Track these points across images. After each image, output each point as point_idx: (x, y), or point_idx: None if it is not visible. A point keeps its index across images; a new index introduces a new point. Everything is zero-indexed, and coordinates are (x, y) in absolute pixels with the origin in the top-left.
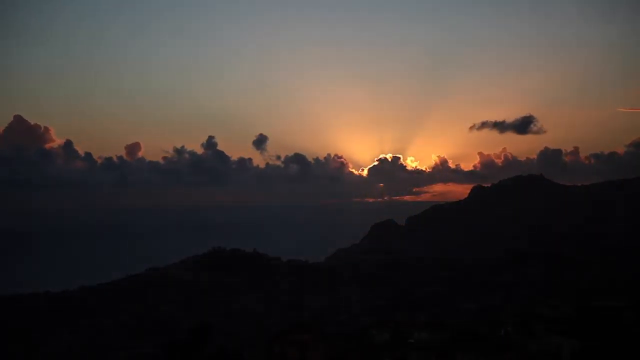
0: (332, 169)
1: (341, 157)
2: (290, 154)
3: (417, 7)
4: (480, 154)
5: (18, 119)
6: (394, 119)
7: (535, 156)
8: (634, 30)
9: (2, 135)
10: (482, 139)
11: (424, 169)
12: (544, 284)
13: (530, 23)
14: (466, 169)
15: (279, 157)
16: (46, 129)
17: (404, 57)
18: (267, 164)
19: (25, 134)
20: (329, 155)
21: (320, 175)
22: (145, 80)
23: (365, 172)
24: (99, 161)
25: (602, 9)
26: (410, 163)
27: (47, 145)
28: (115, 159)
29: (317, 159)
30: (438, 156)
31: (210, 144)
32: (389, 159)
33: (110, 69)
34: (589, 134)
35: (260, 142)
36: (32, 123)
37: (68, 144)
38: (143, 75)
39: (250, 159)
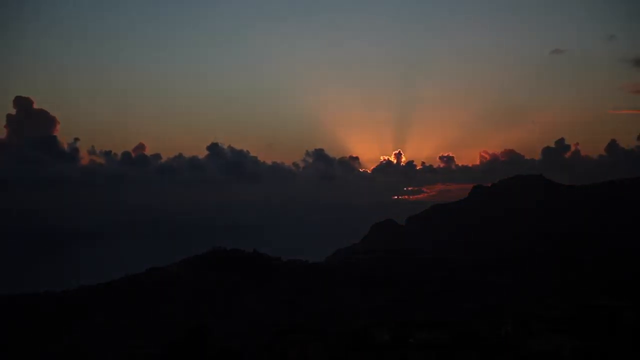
0: (334, 169)
1: (344, 157)
2: (292, 153)
3: (417, 7)
4: (481, 153)
5: (22, 102)
6: (395, 119)
7: (536, 156)
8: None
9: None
10: (483, 138)
11: (424, 169)
12: (544, 284)
13: (524, 26)
14: (467, 169)
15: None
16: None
17: (404, 57)
18: (272, 163)
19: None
20: (328, 154)
21: (321, 175)
22: (147, 80)
23: (366, 172)
24: (102, 159)
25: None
26: (412, 163)
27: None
28: (118, 158)
29: (320, 159)
30: (439, 156)
31: (215, 145)
32: (390, 159)
33: (110, 69)
34: (589, 134)
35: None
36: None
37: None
38: (147, 75)
39: (255, 157)
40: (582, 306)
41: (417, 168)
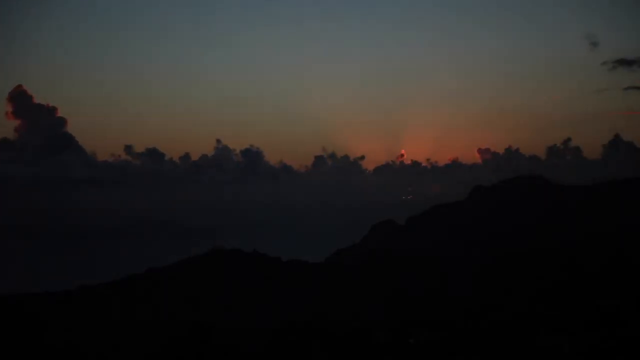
0: (334, 169)
1: (346, 157)
2: (293, 154)
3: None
4: (480, 152)
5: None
6: (397, 119)
7: (537, 157)
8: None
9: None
10: (483, 138)
11: (425, 168)
12: (545, 284)
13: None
14: (467, 169)
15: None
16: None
17: (402, 58)
18: (268, 163)
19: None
20: (327, 154)
21: (321, 174)
22: (151, 80)
23: (366, 172)
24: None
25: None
26: (412, 163)
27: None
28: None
29: (320, 159)
30: (440, 156)
31: (216, 147)
32: (391, 159)
33: (109, 69)
34: (589, 134)
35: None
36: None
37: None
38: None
39: (255, 158)
40: (582, 306)
41: (418, 168)
